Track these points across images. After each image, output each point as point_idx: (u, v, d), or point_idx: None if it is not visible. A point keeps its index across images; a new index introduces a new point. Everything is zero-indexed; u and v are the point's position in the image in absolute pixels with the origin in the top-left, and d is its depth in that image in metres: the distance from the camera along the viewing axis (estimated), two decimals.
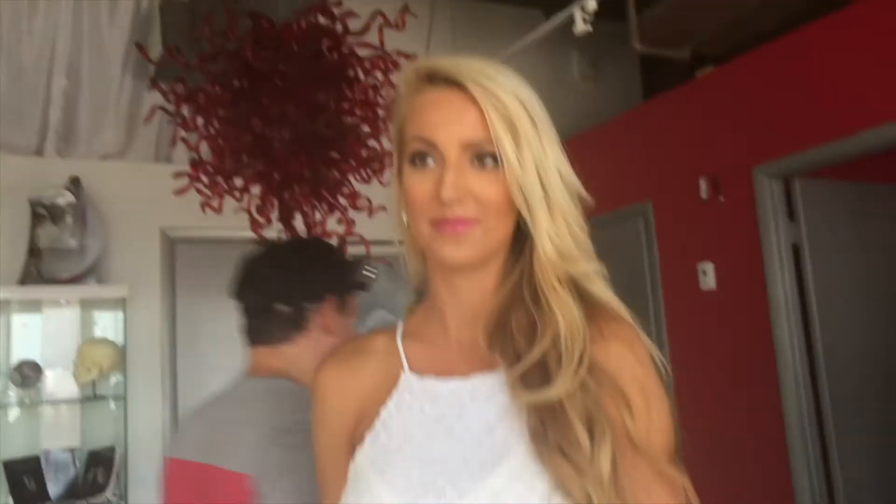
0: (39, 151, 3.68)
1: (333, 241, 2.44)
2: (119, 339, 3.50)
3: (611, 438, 0.73)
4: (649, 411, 0.78)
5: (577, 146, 3.76)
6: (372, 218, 2.38)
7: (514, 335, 0.80)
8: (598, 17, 3.11)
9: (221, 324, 3.99)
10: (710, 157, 3.55)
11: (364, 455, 0.82)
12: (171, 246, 3.91)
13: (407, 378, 0.85)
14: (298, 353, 1.41)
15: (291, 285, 1.43)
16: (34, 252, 3.39)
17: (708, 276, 3.53)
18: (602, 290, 0.84)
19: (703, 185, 3.54)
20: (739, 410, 3.39)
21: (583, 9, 2.92)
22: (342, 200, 2.45)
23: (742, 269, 3.40)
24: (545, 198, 0.82)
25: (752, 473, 3.33)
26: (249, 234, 2.46)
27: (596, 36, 3.49)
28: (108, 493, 3.28)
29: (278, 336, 1.43)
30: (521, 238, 0.86)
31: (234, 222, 2.67)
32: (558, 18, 3.19)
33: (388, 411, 0.84)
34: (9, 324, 3.47)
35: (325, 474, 0.91)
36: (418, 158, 0.82)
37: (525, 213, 0.82)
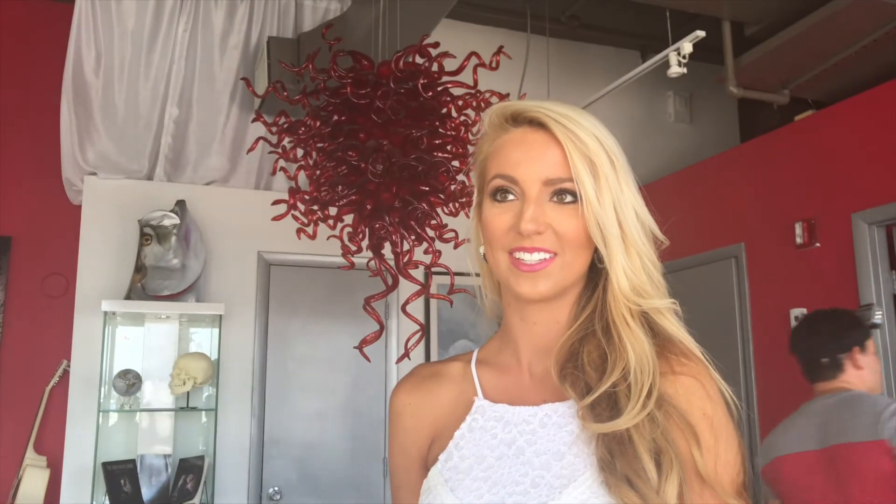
0: (150, 176, 3.92)
1: (421, 270, 2.52)
2: (213, 354, 3.67)
3: (678, 471, 0.75)
4: (718, 446, 0.79)
5: (671, 185, 3.77)
6: (457, 249, 2.44)
7: (585, 367, 0.83)
8: (695, 59, 3.11)
9: (309, 345, 4.13)
10: (808, 202, 3.45)
11: (437, 473, 0.86)
12: (267, 268, 4.08)
13: (480, 403, 0.89)
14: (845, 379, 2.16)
15: (829, 344, 2.20)
16: (140, 269, 3.60)
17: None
18: (673, 326, 0.86)
19: (799, 230, 3.45)
20: None
21: (678, 52, 2.93)
22: (430, 232, 2.52)
23: None
24: (621, 234, 0.85)
25: None
26: (339, 260, 2.55)
27: (692, 77, 3.48)
28: (196, 500, 3.42)
29: (827, 375, 2.19)
30: (593, 275, 0.89)
31: (326, 249, 2.78)
32: (654, 60, 3.20)
33: (462, 433, 0.88)
34: (114, 335, 3.69)
35: (399, 491, 0.96)
36: (500, 193, 0.86)
37: (602, 248, 0.85)
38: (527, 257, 0.84)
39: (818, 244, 3.39)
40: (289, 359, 4.08)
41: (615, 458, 0.76)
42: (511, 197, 0.86)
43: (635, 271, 0.85)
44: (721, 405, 0.82)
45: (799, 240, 3.44)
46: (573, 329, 0.88)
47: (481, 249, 0.92)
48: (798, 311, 3.43)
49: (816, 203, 3.41)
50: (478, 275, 0.97)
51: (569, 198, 0.84)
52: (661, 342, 0.84)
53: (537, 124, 0.86)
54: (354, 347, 2.44)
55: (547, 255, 0.84)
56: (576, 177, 0.83)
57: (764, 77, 3.84)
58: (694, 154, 4.59)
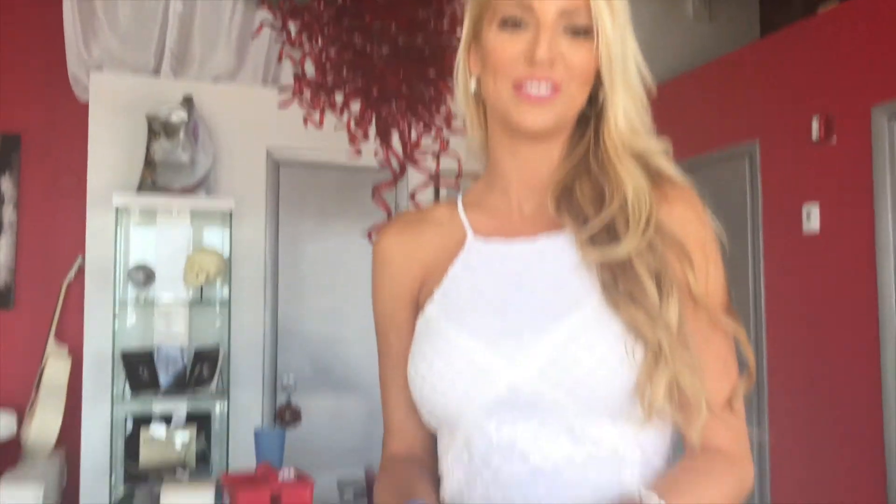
0: (157, 71, 3.88)
1: (428, 158, 2.50)
2: (225, 251, 3.71)
3: (677, 293, 0.78)
4: (708, 267, 0.82)
5: (687, 84, 3.71)
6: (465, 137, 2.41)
7: (581, 201, 0.84)
8: None
9: (320, 246, 4.17)
10: (826, 97, 3.38)
11: (435, 307, 0.86)
12: (276, 167, 4.08)
13: (472, 241, 0.89)
14: None
15: None
16: (150, 164, 3.61)
17: (812, 220, 3.40)
18: (666, 165, 0.87)
19: (816, 125, 3.39)
20: (835, 356, 3.29)
21: None
22: (438, 120, 2.49)
23: (849, 214, 3.26)
24: (624, 72, 0.85)
25: (843, 418, 3.25)
26: (347, 160, 2.53)
27: None
28: (212, 387, 3.54)
29: None
30: (583, 118, 0.89)
31: (335, 145, 2.76)
32: None
33: (456, 271, 0.88)
34: (127, 230, 3.73)
35: (388, 333, 0.96)
36: (511, 22, 0.84)
37: (607, 84, 0.85)
38: (534, 88, 0.83)
39: (835, 140, 3.33)
40: (300, 259, 4.13)
41: (618, 280, 0.79)
42: (522, 25, 0.84)
43: (635, 111, 0.86)
44: (711, 230, 0.85)
45: (815, 135, 3.38)
46: (567, 166, 0.89)
47: (472, 84, 0.90)
48: (810, 208, 3.41)
49: (835, 98, 3.33)
50: (464, 110, 0.95)
51: (582, 32, 0.83)
52: (655, 177, 0.85)
53: None
54: (365, 232, 2.46)
55: (552, 87, 0.83)
56: (595, 9, 0.83)
57: None
58: (713, 52, 4.47)
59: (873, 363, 3.09)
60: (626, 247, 0.79)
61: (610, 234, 0.80)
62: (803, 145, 3.46)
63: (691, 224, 0.83)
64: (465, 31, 0.91)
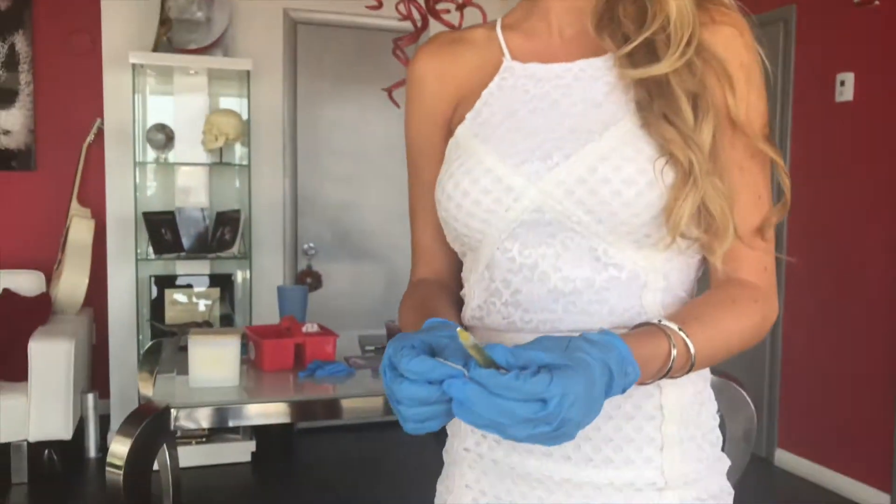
0: None
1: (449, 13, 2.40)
2: (243, 113, 3.66)
3: (714, 115, 0.76)
4: (750, 93, 0.79)
5: None
6: None
7: (622, 20, 0.80)
8: None
9: (339, 109, 4.10)
10: None
11: (465, 129, 0.85)
12: (293, 27, 3.96)
13: (509, 64, 0.86)
14: None
15: None
16: (165, 22, 3.51)
17: (846, 88, 3.29)
18: None
19: None
20: (861, 225, 3.27)
21: None
22: None
23: (885, 82, 3.15)
24: None
25: (863, 287, 3.26)
26: (366, 20, 2.43)
27: None
28: (235, 250, 3.58)
29: None
30: None
31: (353, 4, 2.65)
32: None
33: (490, 91, 0.86)
34: (145, 91, 3.69)
35: (419, 156, 0.94)
36: None
37: None
38: None
39: (877, 2, 3.17)
40: (319, 121, 4.08)
41: (653, 100, 0.76)
42: None
43: None
44: (756, 56, 0.82)
45: None
46: None
47: None
48: (844, 76, 3.29)
49: None
50: None
51: None
52: (701, 0, 0.80)
53: None
54: (382, 89, 2.40)
55: None
56: None
57: None
58: None
59: None
60: (665, 65, 0.75)
61: (649, 52, 0.77)
62: (842, 10, 3.30)
63: (736, 47, 0.79)
64: None
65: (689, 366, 0.71)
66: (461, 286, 0.89)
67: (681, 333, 0.70)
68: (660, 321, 0.71)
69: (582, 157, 0.76)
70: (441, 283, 0.93)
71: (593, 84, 0.81)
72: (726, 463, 0.85)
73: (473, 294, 0.84)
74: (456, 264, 0.92)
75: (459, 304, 0.89)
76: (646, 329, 0.71)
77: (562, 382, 0.56)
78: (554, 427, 0.57)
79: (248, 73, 3.59)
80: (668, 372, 0.69)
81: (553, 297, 0.78)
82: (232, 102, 3.79)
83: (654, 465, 0.78)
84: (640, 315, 0.77)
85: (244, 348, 2.15)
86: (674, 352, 0.69)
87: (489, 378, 0.57)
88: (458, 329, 0.61)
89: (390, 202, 4.11)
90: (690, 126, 0.75)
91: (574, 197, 0.75)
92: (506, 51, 0.88)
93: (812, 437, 3.52)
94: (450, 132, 0.89)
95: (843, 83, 3.31)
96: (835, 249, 3.37)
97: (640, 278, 0.77)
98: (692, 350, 0.71)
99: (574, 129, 0.79)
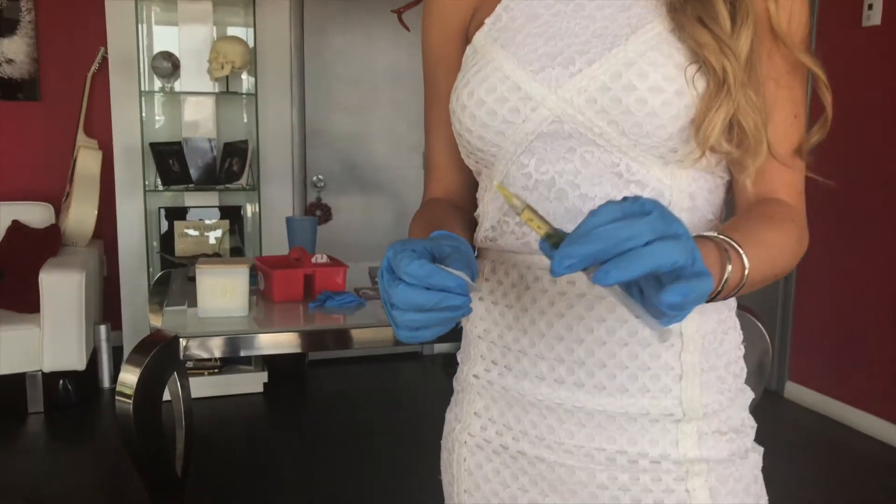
0: None
1: None
2: (250, 42, 3.57)
3: (752, 23, 0.70)
4: (793, 4, 0.74)
5: None
6: None
7: None
8: None
9: (347, 37, 4.00)
10: None
11: (483, 34, 0.79)
12: None
13: None
14: None
15: None
16: None
17: (874, 11, 3.16)
18: None
19: None
20: (881, 155, 3.18)
21: None
22: None
23: None
24: None
25: (879, 221, 3.20)
26: None
27: None
28: (243, 181, 3.54)
29: None
30: None
31: None
32: None
33: None
34: (149, 18, 3.59)
35: (436, 68, 0.89)
36: None
37: None
38: None
39: None
40: (326, 49, 3.98)
41: (687, 2, 0.70)
42: None
43: None
44: None
45: None
46: None
47: None
48: None
49: None
50: None
51: None
52: None
53: None
54: (392, 11, 2.32)
55: None
56: None
57: None
58: None
59: None
60: None
61: None
62: None
63: None
64: None
65: (740, 286, 0.63)
66: (475, 208, 0.85)
67: (738, 248, 0.62)
68: (715, 234, 0.64)
69: (606, 62, 0.71)
70: (453, 202, 0.88)
71: None
72: (749, 396, 0.82)
73: (487, 213, 0.80)
74: (471, 184, 0.88)
75: (472, 226, 0.85)
76: (697, 241, 0.62)
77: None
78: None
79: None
80: (719, 292, 0.61)
81: (571, 217, 0.73)
82: (238, 31, 3.69)
83: (672, 395, 0.74)
84: None
85: (253, 279, 2.13)
86: (729, 268, 0.61)
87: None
88: (497, 184, 0.57)
89: (399, 132, 4.04)
90: (727, 31, 0.69)
91: (596, 106, 0.70)
92: None
93: (822, 369, 3.51)
94: (468, 41, 0.84)
95: (870, 6, 3.18)
96: (853, 177, 3.29)
97: (665, 197, 0.72)
98: (747, 267, 0.62)
99: (599, 33, 0.73)
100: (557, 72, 0.72)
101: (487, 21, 0.80)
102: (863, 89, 3.24)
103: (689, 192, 0.74)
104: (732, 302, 0.80)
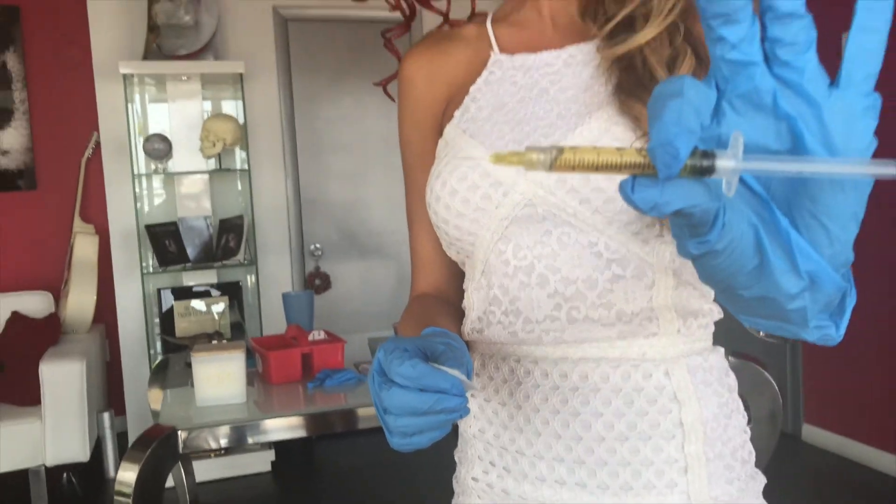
0: None
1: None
2: (239, 116, 3.60)
3: (691, 65, 0.69)
4: None
5: None
6: None
7: (606, 3, 0.76)
8: None
9: (336, 105, 4.03)
10: None
11: (453, 126, 0.80)
12: (284, 24, 3.89)
13: (497, 58, 0.82)
14: None
15: None
16: (153, 29, 3.45)
17: None
18: None
19: None
20: (882, 198, 3.17)
21: None
22: None
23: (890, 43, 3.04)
24: None
25: (884, 258, 3.17)
26: (358, 13, 2.36)
27: None
28: (240, 257, 3.53)
29: None
30: None
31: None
32: None
33: (478, 87, 0.81)
34: (140, 101, 3.63)
35: (413, 162, 0.89)
36: None
37: None
38: None
39: None
40: (316, 119, 4.01)
41: (631, 77, 0.70)
42: None
43: None
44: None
45: None
46: None
47: None
48: None
49: None
50: None
51: None
52: None
53: None
54: (375, 84, 2.33)
55: None
56: None
57: None
58: None
59: None
60: (640, 37, 0.70)
61: (627, 29, 0.72)
62: None
63: None
64: None
65: None
66: (462, 297, 0.83)
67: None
68: None
69: (572, 142, 0.70)
70: (441, 296, 0.86)
71: (583, 69, 0.76)
72: (761, 481, 0.77)
73: (473, 304, 0.78)
74: (458, 275, 0.86)
75: (461, 318, 0.83)
76: None
77: None
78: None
79: (241, 75, 3.53)
80: None
81: (555, 303, 0.71)
82: (228, 105, 3.73)
83: (679, 490, 0.70)
84: (651, 319, 0.70)
85: (252, 360, 2.09)
86: None
87: None
88: (492, 156, 0.45)
89: (395, 196, 4.04)
90: None
91: (566, 185, 0.69)
92: (494, 44, 0.83)
93: (838, 410, 3.44)
94: (440, 131, 0.83)
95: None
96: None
97: (648, 276, 0.70)
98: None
99: (563, 114, 0.73)
100: None
101: (456, 113, 0.81)
102: None
103: (674, 270, 0.71)
104: (733, 382, 0.77)
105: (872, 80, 0.37)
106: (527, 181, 0.71)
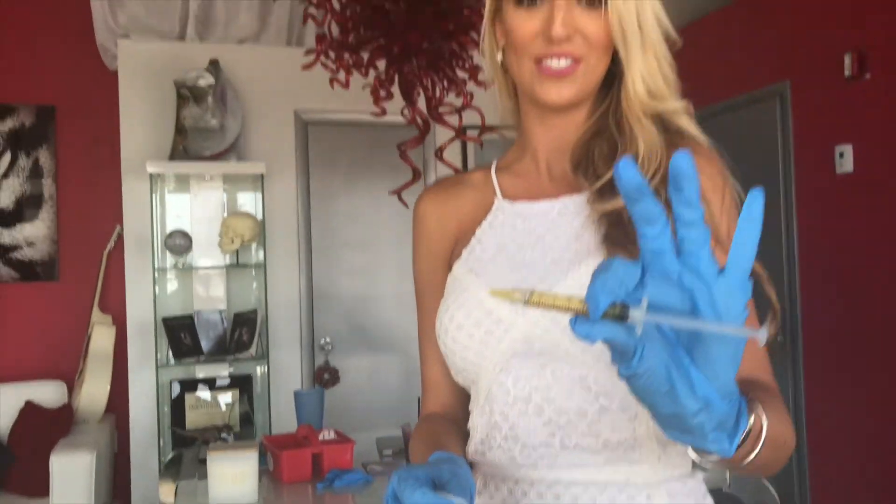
0: (182, 36, 3.90)
1: (452, 114, 2.50)
2: (258, 215, 3.76)
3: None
4: (722, 215, 0.82)
5: (716, 24, 3.61)
6: (487, 91, 2.40)
7: (596, 160, 0.86)
8: None
9: (351, 202, 4.19)
10: (859, 33, 3.28)
11: (461, 265, 0.91)
12: (304, 127, 4.10)
13: (500, 203, 0.93)
14: None
15: None
16: (181, 131, 3.65)
17: (845, 159, 3.33)
18: (687, 124, 0.87)
19: (848, 62, 3.29)
20: (870, 299, 3.26)
21: None
22: (461, 74, 2.48)
23: (883, 152, 3.19)
24: (641, 36, 0.84)
25: (882, 354, 3.23)
26: (374, 118, 2.54)
27: None
28: (252, 351, 3.62)
29: None
30: (609, 78, 0.90)
31: (362, 104, 2.76)
32: None
33: (483, 230, 0.92)
34: (162, 197, 3.80)
35: (425, 291, 1.00)
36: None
37: (621, 50, 0.85)
38: (554, 63, 0.84)
39: (868, 76, 3.24)
40: (332, 216, 4.17)
41: (618, 231, 0.80)
42: (538, 2, 0.84)
43: (652, 74, 0.86)
44: (730, 185, 0.85)
45: (848, 72, 3.29)
46: (587, 128, 0.91)
47: (498, 56, 0.91)
48: (843, 148, 3.34)
49: (868, 33, 3.23)
50: (493, 82, 0.97)
51: (597, 1, 0.83)
52: (673, 136, 0.86)
53: None
54: (391, 193, 2.47)
55: (572, 61, 0.84)
56: None
57: None
58: None
59: None
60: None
61: (615, 188, 0.82)
62: (836, 84, 3.37)
63: (707, 174, 0.81)
64: (487, 4, 0.91)
65: (753, 455, 0.62)
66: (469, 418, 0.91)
67: (759, 407, 0.62)
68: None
69: (563, 287, 0.80)
70: (449, 417, 0.95)
71: (575, 219, 0.86)
72: None
73: (476, 427, 0.86)
74: (465, 397, 0.94)
75: (466, 437, 0.91)
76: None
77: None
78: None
79: (261, 175, 3.70)
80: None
81: (549, 431, 0.79)
82: (247, 201, 3.89)
83: None
84: (634, 448, 0.78)
85: (262, 458, 2.16)
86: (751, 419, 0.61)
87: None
88: (490, 291, 0.58)
89: (406, 293, 4.13)
90: None
91: (560, 325, 0.78)
92: (497, 191, 0.95)
93: (848, 497, 3.42)
94: (449, 267, 0.94)
95: (842, 155, 3.35)
96: (850, 316, 3.35)
97: (632, 408, 0.78)
98: (764, 430, 0.62)
99: (556, 260, 0.84)
100: None
101: (464, 252, 0.92)
102: (845, 231, 3.37)
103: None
104: (707, 499, 0.85)
105: (749, 269, 0.52)
106: (525, 321, 0.81)
